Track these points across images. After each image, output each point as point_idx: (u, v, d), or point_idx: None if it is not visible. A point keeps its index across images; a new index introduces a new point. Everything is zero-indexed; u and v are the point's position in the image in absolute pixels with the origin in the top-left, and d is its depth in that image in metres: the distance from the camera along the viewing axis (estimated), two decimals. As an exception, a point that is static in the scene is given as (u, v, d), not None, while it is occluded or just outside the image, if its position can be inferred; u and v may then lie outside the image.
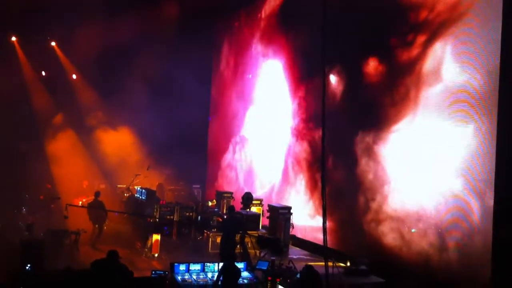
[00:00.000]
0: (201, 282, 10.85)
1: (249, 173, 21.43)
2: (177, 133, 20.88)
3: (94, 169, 21.83)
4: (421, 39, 12.78)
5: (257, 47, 21.33)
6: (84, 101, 22.97)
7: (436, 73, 12.26)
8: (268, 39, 20.44)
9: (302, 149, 17.88)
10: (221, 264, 11.13)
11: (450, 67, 11.89)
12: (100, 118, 22.70)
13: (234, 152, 23.24)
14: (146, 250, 14.86)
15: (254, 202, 17.44)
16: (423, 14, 12.72)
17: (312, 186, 17.30)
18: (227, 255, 12.39)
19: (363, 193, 14.36)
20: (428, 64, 12.49)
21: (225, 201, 18.07)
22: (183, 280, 10.91)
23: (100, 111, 22.70)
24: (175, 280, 10.88)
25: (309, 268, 9.58)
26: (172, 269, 11.09)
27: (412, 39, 12.99)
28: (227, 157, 23.76)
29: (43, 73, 23.06)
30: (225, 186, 22.48)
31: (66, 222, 14.54)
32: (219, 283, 10.23)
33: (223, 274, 10.30)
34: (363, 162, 14.45)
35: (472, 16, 11.38)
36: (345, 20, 14.75)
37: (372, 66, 14.29)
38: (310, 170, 17.47)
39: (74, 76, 23.58)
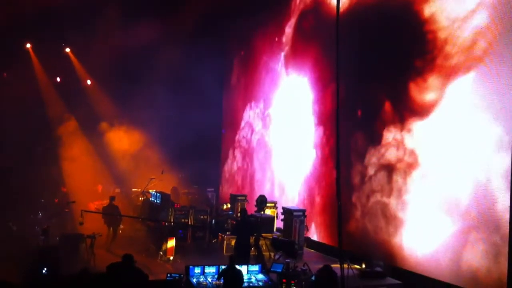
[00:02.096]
0: (216, 285, 10.86)
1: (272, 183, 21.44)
2: (191, 136, 20.96)
3: (108, 174, 21.98)
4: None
5: (269, 61, 21.39)
6: (98, 106, 23.16)
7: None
8: (282, 54, 20.46)
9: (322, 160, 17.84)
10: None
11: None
12: (114, 123, 22.84)
13: (242, 158, 23.46)
14: (161, 253, 14.91)
15: (268, 204, 17.45)
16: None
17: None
18: (240, 257, 12.43)
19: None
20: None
21: (239, 204, 18.09)
22: (198, 283, 10.93)
23: (114, 116, 22.85)
24: (191, 283, 10.91)
25: (327, 268, 9.59)
26: (187, 272, 11.11)
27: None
28: (236, 164, 23.98)
29: (58, 79, 23.28)
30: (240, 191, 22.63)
31: (81, 227, 14.66)
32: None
33: (223, 277, 10.35)
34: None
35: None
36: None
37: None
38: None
39: (88, 82, 23.80)
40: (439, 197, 12.16)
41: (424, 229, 12.59)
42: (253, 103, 22.82)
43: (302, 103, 18.67)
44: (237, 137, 24.17)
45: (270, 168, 21.02)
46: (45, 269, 11.58)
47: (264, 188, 20.79)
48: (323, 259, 15.61)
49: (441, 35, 12.33)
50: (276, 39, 20.71)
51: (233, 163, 24.53)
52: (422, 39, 12.88)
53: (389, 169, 13.92)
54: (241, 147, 23.77)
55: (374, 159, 14.52)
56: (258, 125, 22.27)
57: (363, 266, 13.37)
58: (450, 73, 12.04)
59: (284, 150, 19.92)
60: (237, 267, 10.74)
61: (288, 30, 19.91)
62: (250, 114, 23.08)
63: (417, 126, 13.03)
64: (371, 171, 14.61)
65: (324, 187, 17.21)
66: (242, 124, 23.67)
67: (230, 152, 24.83)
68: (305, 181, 18.31)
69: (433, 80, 12.54)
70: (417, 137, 13.06)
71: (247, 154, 23.14)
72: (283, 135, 20.12)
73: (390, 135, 13.95)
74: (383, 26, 14.48)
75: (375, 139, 14.49)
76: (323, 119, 17.48)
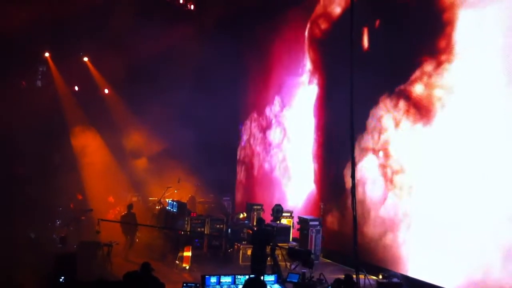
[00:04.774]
0: (232, 295, 10.82)
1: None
2: (208, 145, 20.98)
3: (126, 181, 22.05)
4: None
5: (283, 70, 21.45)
6: (116, 114, 23.30)
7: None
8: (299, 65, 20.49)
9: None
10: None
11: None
12: (132, 130, 22.94)
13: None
14: (178, 262, 14.92)
15: (284, 214, 17.38)
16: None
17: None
18: (257, 267, 12.37)
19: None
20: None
21: (255, 213, 18.05)
22: (214, 292, 10.90)
23: (132, 123, 22.96)
24: (206, 292, 10.88)
25: (348, 278, 9.52)
26: (203, 282, 11.07)
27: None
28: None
29: (76, 88, 23.50)
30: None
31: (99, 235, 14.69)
32: None
33: None
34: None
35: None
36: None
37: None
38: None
39: (106, 91, 23.97)
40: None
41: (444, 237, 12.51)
42: (259, 112, 22.94)
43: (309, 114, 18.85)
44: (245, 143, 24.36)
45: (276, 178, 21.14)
46: (63, 277, 11.63)
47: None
48: (339, 269, 15.53)
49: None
50: (292, 50, 20.75)
51: (241, 173, 24.74)
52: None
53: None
54: (247, 158, 23.98)
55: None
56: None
57: (380, 277, 13.27)
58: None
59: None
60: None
61: (303, 40, 19.94)
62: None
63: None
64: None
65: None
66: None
67: (242, 160, 24.97)
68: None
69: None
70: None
71: (252, 166, 23.35)
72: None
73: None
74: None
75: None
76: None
